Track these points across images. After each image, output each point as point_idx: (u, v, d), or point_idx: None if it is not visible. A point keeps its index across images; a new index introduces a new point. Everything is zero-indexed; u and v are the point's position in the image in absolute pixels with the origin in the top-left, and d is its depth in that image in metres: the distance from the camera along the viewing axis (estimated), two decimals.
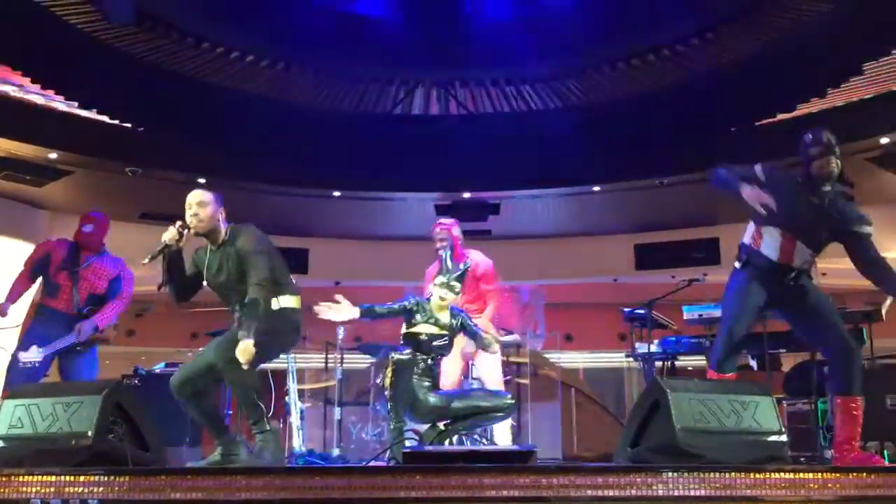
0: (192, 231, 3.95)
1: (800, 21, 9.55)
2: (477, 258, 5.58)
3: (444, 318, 4.56)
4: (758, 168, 4.19)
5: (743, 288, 4.15)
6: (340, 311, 4.32)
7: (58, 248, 5.41)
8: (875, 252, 4.14)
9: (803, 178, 4.15)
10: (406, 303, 4.53)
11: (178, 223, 3.93)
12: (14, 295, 5.30)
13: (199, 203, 3.94)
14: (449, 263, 4.64)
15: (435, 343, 4.47)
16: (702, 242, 11.45)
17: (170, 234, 3.89)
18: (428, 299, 4.60)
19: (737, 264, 4.25)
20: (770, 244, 4.13)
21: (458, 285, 4.63)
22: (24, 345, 5.11)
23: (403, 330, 4.55)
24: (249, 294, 3.82)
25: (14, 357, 5.09)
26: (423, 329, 4.47)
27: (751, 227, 4.27)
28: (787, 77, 9.67)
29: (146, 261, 3.87)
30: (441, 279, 4.57)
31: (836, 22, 9.04)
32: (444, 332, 4.50)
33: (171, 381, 3.99)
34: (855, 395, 3.96)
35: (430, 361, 4.45)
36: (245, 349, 3.70)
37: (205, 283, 4.10)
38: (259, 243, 3.98)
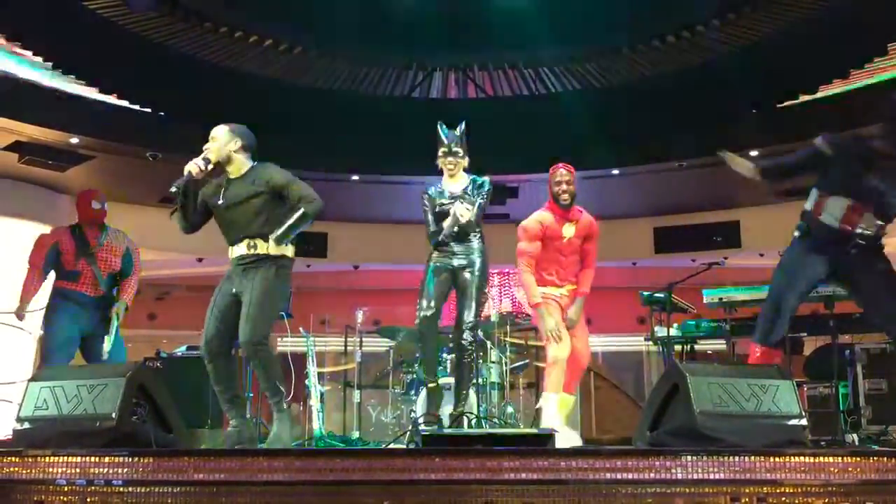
0: (211, 161, 4.09)
1: (822, 1, 9.41)
2: (589, 216, 5.27)
3: (457, 187, 4.82)
4: (819, 142, 3.95)
5: (797, 260, 3.95)
6: None
7: (62, 237, 5.42)
8: None
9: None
10: (425, 203, 4.82)
11: (202, 156, 4.06)
12: (29, 296, 5.33)
13: (212, 138, 4.17)
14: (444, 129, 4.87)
15: (461, 223, 4.67)
16: (722, 226, 11.41)
17: (192, 165, 4.00)
18: (433, 187, 4.86)
19: (796, 233, 4.03)
20: (833, 213, 3.86)
21: (460, 151, 4.85)
22: (54, 326, 5.17)
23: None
24: (302, 207, 3.96)
25: (51, 335, 5.15)
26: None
27: (814, 192, 4.00)
28: (808, 58, 9.54)
29: (173, 190, 3.98)
30: (441, 148, 4.81)
31: (859, 2, 8.90)
32: (466, 210, 4.66)
33: (202, 347, 3.97)
34: None
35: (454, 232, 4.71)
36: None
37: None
38: (289, 174, 4.16)
